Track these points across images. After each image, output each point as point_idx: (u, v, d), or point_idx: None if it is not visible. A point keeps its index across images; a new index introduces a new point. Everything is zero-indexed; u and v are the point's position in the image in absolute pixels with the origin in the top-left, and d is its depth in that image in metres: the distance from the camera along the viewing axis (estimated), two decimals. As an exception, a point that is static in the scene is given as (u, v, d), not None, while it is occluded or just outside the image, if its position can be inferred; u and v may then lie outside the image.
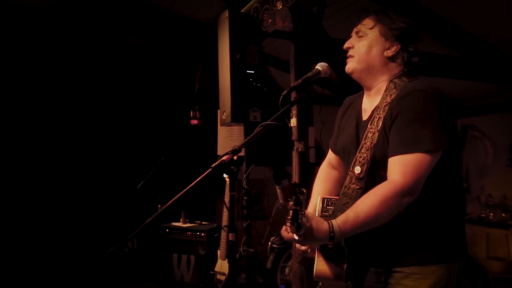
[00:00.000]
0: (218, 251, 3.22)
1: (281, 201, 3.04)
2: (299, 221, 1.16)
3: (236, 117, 2.78)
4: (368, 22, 1.53)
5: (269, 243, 3.63)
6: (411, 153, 1.30)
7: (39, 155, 4.36)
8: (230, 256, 1.73)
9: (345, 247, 1.36)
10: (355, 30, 1.56)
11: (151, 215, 1.33)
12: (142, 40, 4.92)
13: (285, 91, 1.56)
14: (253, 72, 2.82)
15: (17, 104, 4.28)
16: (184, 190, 1.30)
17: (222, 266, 3.14)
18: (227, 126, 3.12)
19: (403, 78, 1.48)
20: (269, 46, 4.42)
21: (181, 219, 3.78)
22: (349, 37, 1.61)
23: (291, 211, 1.17)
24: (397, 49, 1.49)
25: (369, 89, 1.57)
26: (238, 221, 2.95)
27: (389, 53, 1.49)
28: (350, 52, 1.55)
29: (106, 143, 4.73)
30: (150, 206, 3.56)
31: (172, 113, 5.11)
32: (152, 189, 3.77)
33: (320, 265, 1.42)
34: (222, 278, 3.13)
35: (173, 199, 1.30)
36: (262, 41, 2.99)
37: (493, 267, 4.29)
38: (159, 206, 3.76)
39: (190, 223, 3.78)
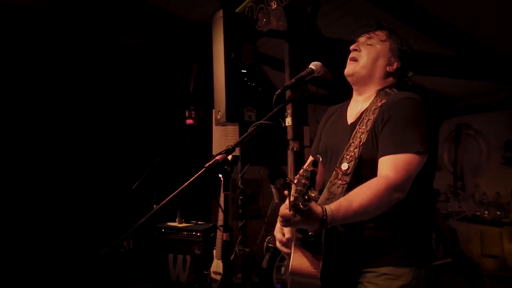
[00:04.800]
0: (214, 251, 3.21)
1: (276, 201, 3.05)
2: (310, 187, 1.12)
3: (231, 116, 2.78)
4: (381, 34, 1.59)
5: (265, 242, 3.63)
6: (402, 153, 1.36)
7: (33, 154, 4.34)
8: (224, 255, 1.73)
9: (323, 243, 1.35)
10: (366, 35, 1.61)
11: (146, 215, 1.32)
12: (136, 39, 4.91)
13: (279, 90, 1.57)
14: (247, 71, 2.82)
15: (13, 104, 4.25)
16: (177, 191, 1.29)
17: (218, 265, 3.14)
18: (222, 125, 3.11)
19: (393, 88, 1.57)
20: (264, 46, 4.43)
21: (176, 219, 3.78)
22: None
23: (308, 171, 1.13)
24: (398, 67, 1.57)
25: (360, 94, 1.62)
26: (234, 220, 2.95)
27: (391, 68, 1.57)
28: (355, 55, 1.60)
29: (101, 143, 4.72)
30: (146, 206, 3.55)
31: (167, 113, 5.10)
32: (148, 189, 3.76)
33: (297, 261, 1.39)
34: (218, 277, 3.13)
35: (167, 199, 1.30)
36: (256, 41, 2.98)
37: (487, 264, 4.32)
38: (154, 206, 3.75)
39: (186, 223, 3.78)
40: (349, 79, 1.63)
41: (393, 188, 1.32)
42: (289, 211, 1.21)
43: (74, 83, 4.60)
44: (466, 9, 3.24)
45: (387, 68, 1.57)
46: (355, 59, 1.59)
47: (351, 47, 1.62)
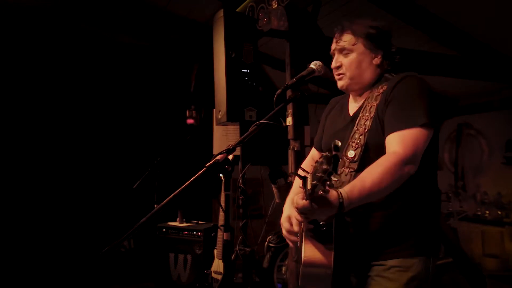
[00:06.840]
0: (215, 251, 3.22)
1: (277, 200, 3.05)
2: (332, 173, 1.06)
3: (232, 116, 2.78)
4: (348, 38, 1.55)
5: (266, 242, 3.64)
6: (408, 128, 1.37)
7: (33, 154, 4.34)
8: (224, 255, 1.73)
9: (334, 232, 1.36)
10: (337, 48, 1.58)
11: (147, 215, 1.32)
12: (137, 39, 4.91)
13: (279, 90, 1.58)
14: (248, 71, 2.82)
15: (12, 103, 4.25)
16: (178, 190, 1.29)
17: (219, 265, 3.14)
18: (223, 125, 3.11)
19: (391, 73, 1.57)
20: (264, 45, 4.43)
21: (177, 219, 3.78)
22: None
23: (329, 157, 1.09)
24: (381, 55, 1.56)
25: (359, 94, 1.62)
26: (234, 220, 2.95)
27: (377, 61, 1.56)
28: (340, 71, 1.58)
29: (102, 142, 4.72)
30: (147, 206, 3.55)
31: (168, 112, 5.11)
32: (149, 189, 3.76)
33: (309, 252, 1.40)
34: (219, 277, 3.13)
35: (167, 199, 1.30)
36: (257, 40, 2.98)
37: (488, 264, 4.32)
38: (155, 205, 3.75)
39: (187, 222, 3.78)
40: (345, 91, 1.65)
41: (403, 161, 1.32)
42: (305, 200, 1.20)
43: (75, 83, 4.61)
44: (467, 8, 3.23)
45: (373, 62, 1.55)
46: (342, 74, 1.58)
47: (332, 66, 1.60)
